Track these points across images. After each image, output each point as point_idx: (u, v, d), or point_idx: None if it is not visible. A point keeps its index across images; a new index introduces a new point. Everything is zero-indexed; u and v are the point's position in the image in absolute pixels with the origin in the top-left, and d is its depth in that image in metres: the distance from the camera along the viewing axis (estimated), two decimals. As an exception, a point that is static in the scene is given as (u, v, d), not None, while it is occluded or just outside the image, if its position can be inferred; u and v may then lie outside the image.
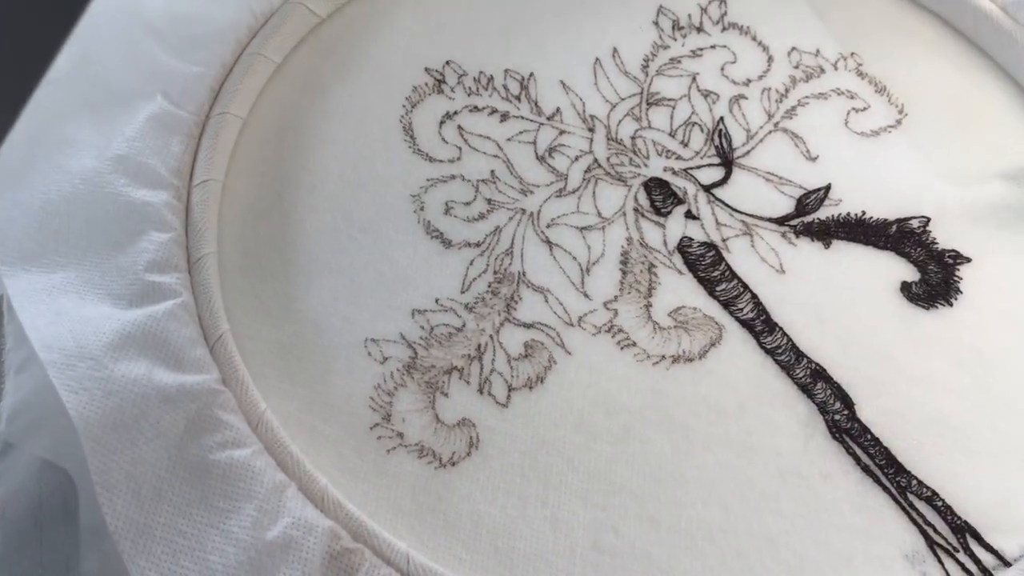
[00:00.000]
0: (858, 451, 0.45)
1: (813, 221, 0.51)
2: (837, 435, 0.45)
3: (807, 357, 0.47)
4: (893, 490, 0.44)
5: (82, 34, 0.53)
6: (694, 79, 0.56)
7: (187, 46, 0.52)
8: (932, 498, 0.44)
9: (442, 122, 0.54)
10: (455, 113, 0.54)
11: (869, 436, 0.45)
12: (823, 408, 0.46)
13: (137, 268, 0.44)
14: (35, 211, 0.46)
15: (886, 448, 0.45)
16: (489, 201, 0.51)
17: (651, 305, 0.48)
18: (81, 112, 0.50)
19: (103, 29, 0.53)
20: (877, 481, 0.44)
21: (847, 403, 0.46)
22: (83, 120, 0.50)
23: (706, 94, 0.56)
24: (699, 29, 0.58)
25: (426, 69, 0.56)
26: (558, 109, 0.55)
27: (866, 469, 0.44)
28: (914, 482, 0.44)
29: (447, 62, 0.56)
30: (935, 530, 0.43)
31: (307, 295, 0.48)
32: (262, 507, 0.39)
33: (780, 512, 0.43)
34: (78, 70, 0.51)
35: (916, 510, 0.44)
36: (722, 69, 0.57)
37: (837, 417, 0.46)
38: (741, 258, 0.50)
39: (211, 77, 0.52)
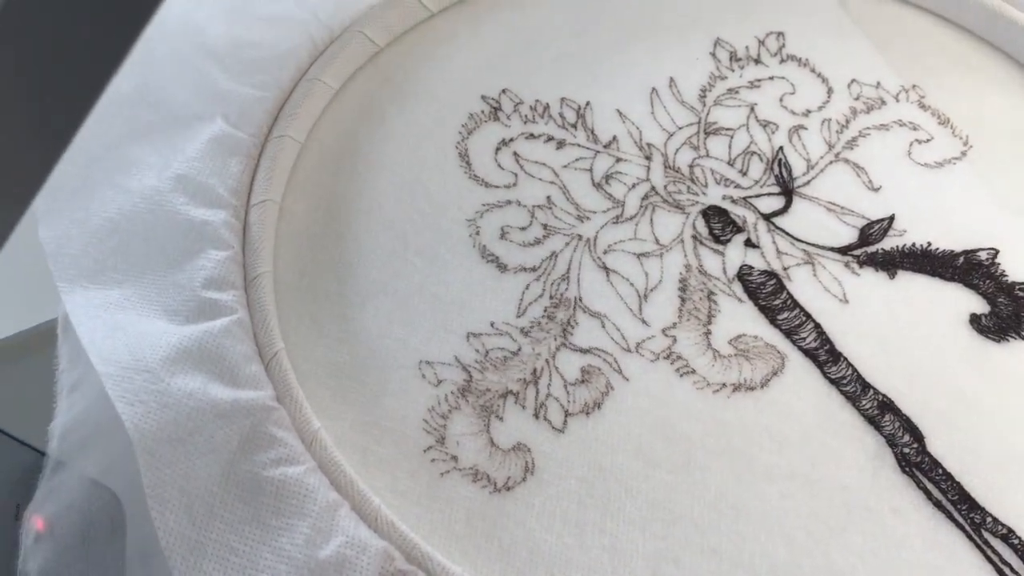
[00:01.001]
0: (929, 486, 0.43)
1: (877, 251, 0.50)
2: (907, 469, 0.43)
3: (873, 388, 0.46)
4: (967, 527, 0.42)
5: (142, 57, 0.53)
6: (752, 109, 0.56)
7: (247, 70, 0.53)
8: (1008, 536, 0.42)
9: (498, 149, 0.54)
10: (511, 140, 0.54)
11: (940, 470, 0.43)
12: (891, 441, 0.44)
13: (194, 285, 0.44)
14: (93, 229, 0.47)
15: (958, 483, 0.43)
16: (545, 227, 0.51)
17: (711, 332, 0.47)
18: (141, 133, 0.50)
19: (163, 52, 0.53)
20: (949, 517, 0.42)
21: (917, 436, 0.44)
22: (143, 141, 0.50)
23: (765, 124, 0.55)
24: (757, 60, 0.58)
25: (482, 97, 0.56)
26: (614, 137, 0.54)
27: (938, 504, 0.43)
28: (989, 519, 0.42)
29: (503, 90, 0.56)
30: (1011, 569, 0.41)
31: (361, 316, 0.47)
32: (315, 525, 0.38)
33: (848, 547, 0.41)
34: (138, 92, 0.52)
35: (991, 548, 0.42)
36: (780, 100, 0.56)
37: (906, 450, 0.44)
38: (803, 287, 0.49)
39: (270, 100, 0.52)
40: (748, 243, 0.50)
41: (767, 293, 0.49)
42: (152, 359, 0.40)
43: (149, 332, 0.42)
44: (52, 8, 0.23)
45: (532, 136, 0.54)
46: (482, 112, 0.55)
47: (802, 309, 0.48)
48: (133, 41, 0.26)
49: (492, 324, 0.47)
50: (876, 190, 0.52)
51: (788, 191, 0.52)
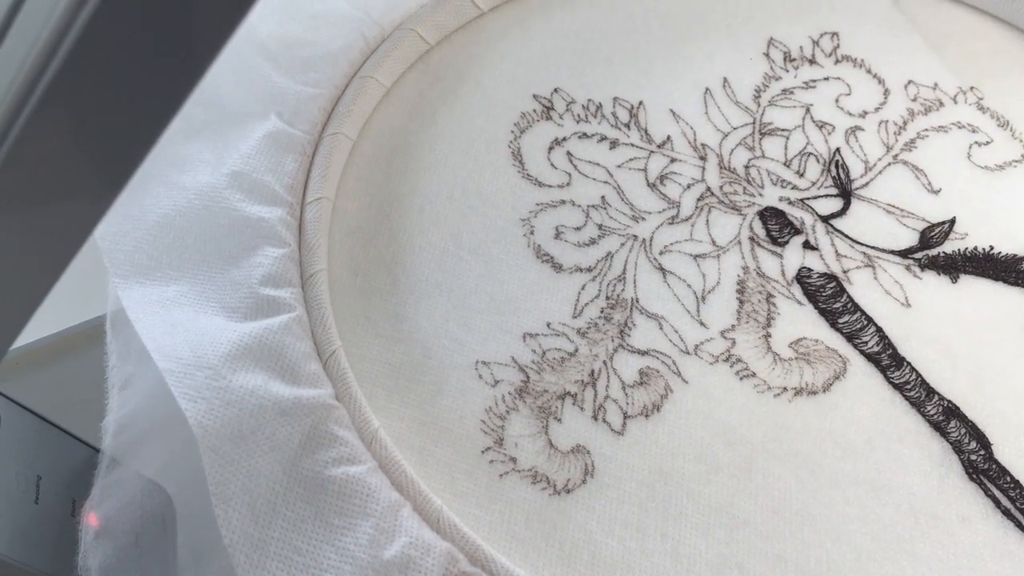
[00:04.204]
0: (997, 493, 0.42)
1: (939, 254, 0.49)
2: (974, 476, 0.43)
3: (938, 394, 0.45)
4: (1037, 536, 0.41)
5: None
6: (808, 110, 0.55)
7: (300, 68, 0.52)
8: (1080, 547, 0.41)
9: (551, 148, 0.53)
10: (564, 139, 0.53)
11: (1009, 478, 0.42)
12: (958, 447, 0.43)
13: (252, 282, 0.44)
14: (149, 225, 0.46)
15: (1028, 492, 0.42)
16: (600, 227, 0.50)
17: (770, 335, 0.47)
18: (195, 130, 0.50)
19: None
20: (1019, 526, 0.41)
21: (984, 443, 0.43)
22: (197, 138, 0.50)
23: (821, 125, 0.54)
24: (811, 61, 0.57)
25: (534, 96, 0.55)
26: (668, 137, 0.54)
27: (1007, 513, 0.42)
28: (1060, 529, 0.41)
29: (555, 89, 0.55)
30: (1085, 581, 0.40)
31: (416, 316, 0.47)
32: (379, 525, 0.38)
33: (915, 555, 0.41)
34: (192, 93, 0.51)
35: (1063, 559, 0.41)
36: (836, 101, 0.55)
37: (973, 457, 0.43)
38: (864, 290, 0.48)
39: (324, 98, 0.52)
40: (807, 245, 0.50)
41: (827, 296, 0.48)
42: (213, 356, 0.40)
43: (208, 329, 0.42)
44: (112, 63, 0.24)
45: (585, 135, 0.54)
46: (534, 111, 0.55)
47: (863, 312, 0.47)
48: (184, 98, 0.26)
49: (548, 324, 0.47)
50: (936, 192, 0.52)
51: (846, 193, 0.52)
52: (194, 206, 0.47)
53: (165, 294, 0.44)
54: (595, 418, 0.44)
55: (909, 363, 0.46)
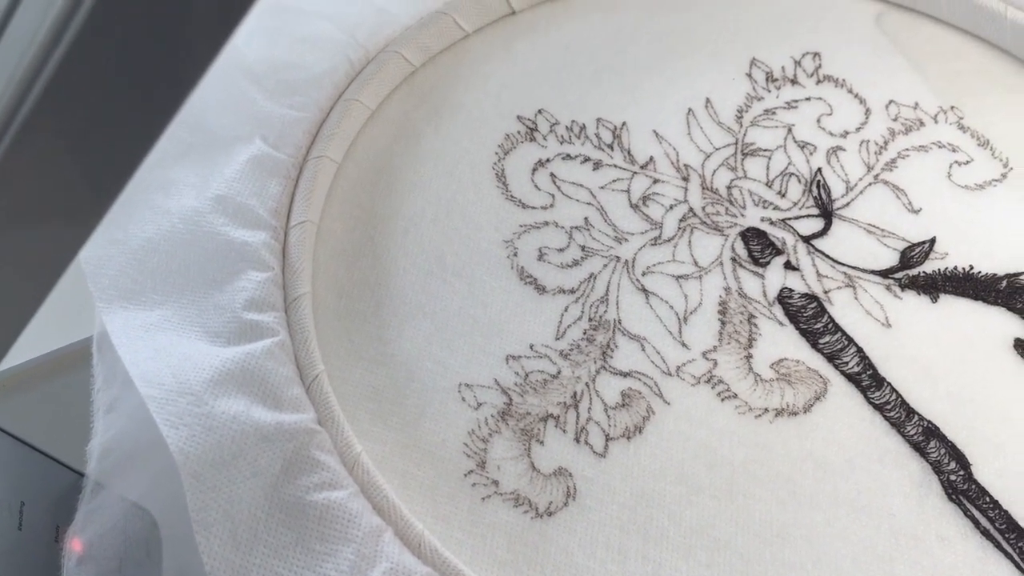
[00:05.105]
0: (976, 514, 0.43)
1: (919, 274, 0.50)
2: (953, 496, 0.43)
3: (918, 414, 0.45)
4: (1016, 556, 0.41)
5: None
6: (790, 130, 0.55)
7: (285, 91, 0.53)
8: (1059, 567, 0.41)
9: (535, 169, 0.53)
10: (548, 161, 0.54)
11: (988, 498, 0.43)
12: (937, 468, 0.44)
13: (235, 306, 0.44)
14: (133, 250, 0.47)
15: (1006, 512, 0.42)
16: (583, 248, 0.50)
17: (752, 356, 0.47)
18: (180, 154, 0.51)
19: (202, 73, 0.53)
20: (998, 546, 0.42)
21: (963, 463, 0.44)
22: (182, 162, 0.50)
23: (803, 145, 0.55)
24: (793, 81, 0.57)
25: (518, 117, 0.56)
26: (651, 158, 0.54)
27: (986, 533, 0.42)
28: (1039, 549, 0.42)
29: (539, 110, 0.56)
30: (1063, 601, 0.41)
31: (400, 338, 0.47)
32: (359, 551, 0.38)
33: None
34: (179, 113, 0.52)
35: (1042, 579, 0.41)
36: (818, 121, 0.56)
37: (953, 478, 0.43)
38: (844, 310, 0.48)
39: (309, 121, 0.52)
40: (788, 266, 0.50)
41: (808, 316, 0.48)
42: (195, 381, 0.40)
43: (191, 354, 0.42)
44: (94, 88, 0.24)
45: (569, 157, 0.54)
46: (518, 132, 0.55)
47: (844, 333, 0.48)
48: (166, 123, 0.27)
49: (531, 346, 0.47)
50: (916, 212, 0.52)
51: (827, 213, 0.52)
52: (178, 230, 0.47)
53: (149, 318, 0.45)
54: (577, 440, 0.44)
55: (889, 383, 0.46)
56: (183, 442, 0.38)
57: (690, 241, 0.51)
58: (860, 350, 0.47)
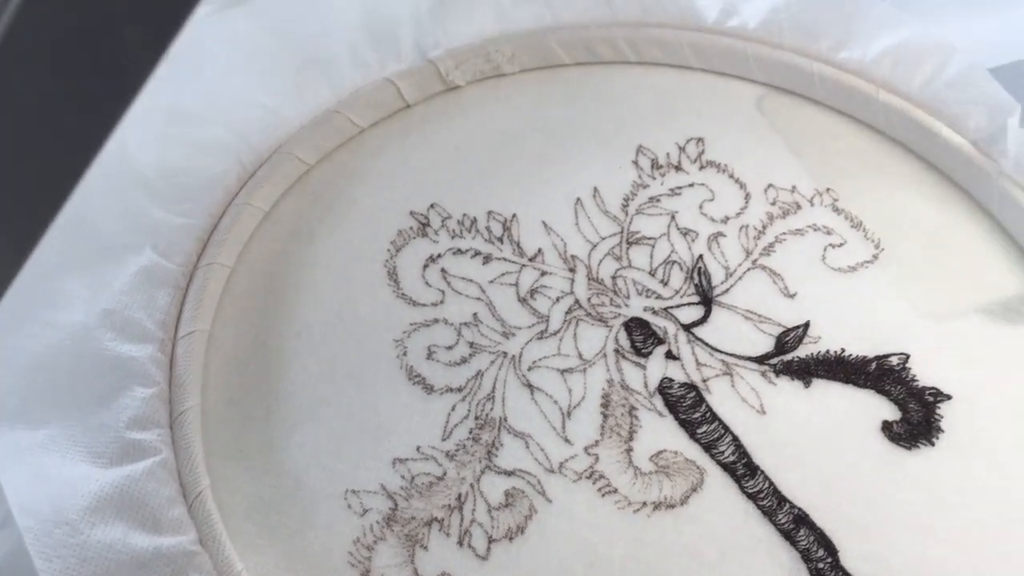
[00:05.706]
0: (843, 601, 0.44)
1: (793, 360, 0.52)
2: (822, 584, 0.45)
3: (789, 502, 0.47)
4: (881, 642, 0.43)
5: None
6: (673, 217, 0.57)
7: (176, 197, 0.54)
8: (921, 650, 0.43)
9: (426, 265, 0.55)
10: (439, 256, 0.55)
11: (854, 585, 0.45)
12: (806, 556, 0.45)
13: (119, 425, 0.45)
14: (21, 367, 0.47)
15: (872, 597, 0.44)
16: (471, 344, 0.52)
17: (632, 449, 0.48)
18: (73, 264, 0.51)
19: (95, 181, 0.54)
20: (864, 633, 0.43)
21: (830, 550, 0.45)
22: (75, 272, 0.51)
23: (685, 232, 0.57)
24: (677, 168, 0.59)
25: (411, 213, 0.57)
26: (540, 250, 0.56)
27: (852, 620, 0.44)
28: (902, 633, 0.43)
29: (431, 205, 0.57)
30: None
31: (289, 446, 0.48)
32: (234, 677, 0.38)
33: (765, 668, 0.42)
34: (71, 223, 0.52)
35: (905, 663, 0.43)
36: (700, 207, 0.58)
37: (821, 565, 0.45)
38: (722, 398, 0.50)
39: (199, 227, 0.53)
40: (669, 355, 0.52)
41: (687, 406, 0.50)
42: (72, 510, 0.41)
43: (72, 479, 0.42)
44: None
45: (459, 251, 0.55)
46: (411, 228, 0.56)
47: (721, 422, 0.49)
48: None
49: (418, 448, 0.48)
50: (792, 296, 0.54)
51: (708, 300, 0.54)
52: (65, 347, 0.48)
53: (35, 439, 0.45)
54: (460, 544, 0.45)
55: (763, 471, 0.48)
56: (56, 575, 0.38)
57: (575, 334, 0.53)
58: (736, 439, 0.49)
